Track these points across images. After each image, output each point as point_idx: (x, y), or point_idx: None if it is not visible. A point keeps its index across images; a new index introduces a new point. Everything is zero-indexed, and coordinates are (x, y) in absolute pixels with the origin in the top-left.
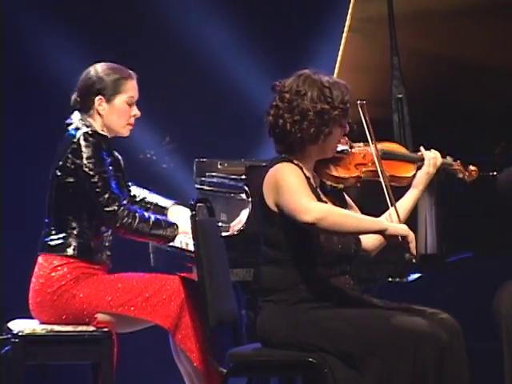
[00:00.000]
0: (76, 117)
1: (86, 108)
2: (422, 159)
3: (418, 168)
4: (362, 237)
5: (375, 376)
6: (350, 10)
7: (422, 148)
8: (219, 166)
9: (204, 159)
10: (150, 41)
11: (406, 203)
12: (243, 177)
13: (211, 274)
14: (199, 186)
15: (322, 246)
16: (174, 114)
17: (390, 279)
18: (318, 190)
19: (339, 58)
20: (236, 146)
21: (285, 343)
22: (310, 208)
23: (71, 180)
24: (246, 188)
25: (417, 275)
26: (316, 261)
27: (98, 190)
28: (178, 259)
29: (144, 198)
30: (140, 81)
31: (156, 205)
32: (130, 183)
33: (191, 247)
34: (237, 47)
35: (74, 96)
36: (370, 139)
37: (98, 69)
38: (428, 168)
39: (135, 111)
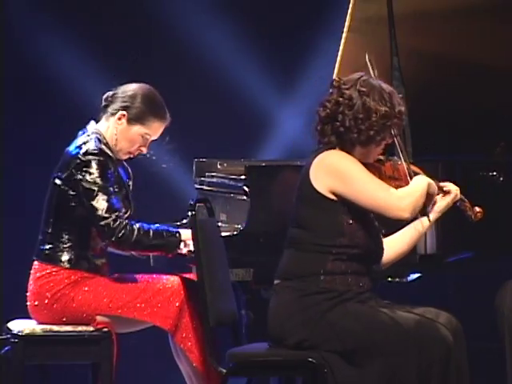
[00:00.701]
0: (90, 127)
1: (110, 112)
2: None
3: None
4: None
5: (378, 376)
6: (349, 10)
7: (445, 183)
8: (219, 166)
9: (204, 159)
10: (150, 41)
11: (425, 222)
12: (243, 177)
13: (211, 274)
14: (199, 186)
15: (356, 239)
16: (174, 114)
17: (389, 279)
18: None
19: (339, 58)
20: (236, 146)
21: (293, 331)
22: (403, 205)
23: (72, 193)
24: (246, 188)
25: (417, 275)
26: (346, 252)
27: (96, 203)
28: (177, 259)
29: None
30: (140, 81)
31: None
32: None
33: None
34: (237, 47)
35: (108, 94)
36: (400, 154)
37: (142, 92)
38: (450, 199)
39: (144, 148)
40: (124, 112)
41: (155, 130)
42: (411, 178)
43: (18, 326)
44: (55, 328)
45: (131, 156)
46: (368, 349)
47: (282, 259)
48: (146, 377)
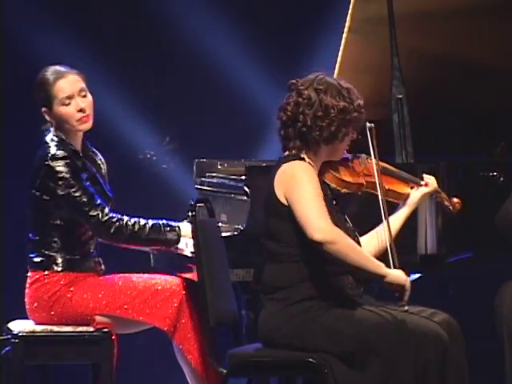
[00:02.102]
0: (49, 134)
1: (46, 120)
2: (417, 181)
3: (411, 189)
4: (362, 243)
5: (376, 376)
6: (349, 11)
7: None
8: (219, 167)
9: (204, 159)
10: (150, 41)
11: (397, 219)
12: (243, 177)
13: (211, 274)
14: (199, 187)
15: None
16: (174, 114)
17: None
18: (329, 193)
19: (339, 59)
20: (236, 146)
21: (286, 342)
22: (324, 229)
23: (47, 198)
24: (246, 188)
25: (417, 275)
26: (320, 258)
27: (79, 205)
28: (178, 259)
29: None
30: (140, 81)
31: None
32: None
33: (191, 248)
34: (237, 48)
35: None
36: (372, 153)
37: (39, 79)
38: (425, 188)
39: (78, 105)
40: (43, 108)
41: (61, 89)
42: (380, 175)
43: (19, 326)
44: (55, 328)
45: (85, 120)
46: (364, 350)
47: (263, 274)
48: (146, 377)
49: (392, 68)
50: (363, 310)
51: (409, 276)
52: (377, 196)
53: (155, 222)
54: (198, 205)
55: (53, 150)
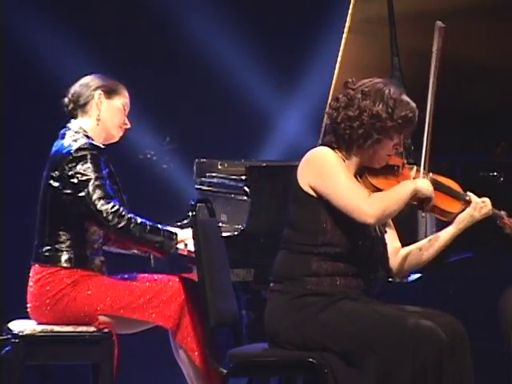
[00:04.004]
0: (74, 125)
1: (82, 105)
2: (470, 201)
3: (464, 209)
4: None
5: (375, 375)
6: (350, 11)
7: (470, 193)
8: (219, 167)
9: (204, 159)
10: (151, 41)
11: (442, 237)
12: (243, 177)
13: (211, 274)
14: (199, 187)
15: (336, 237)
16: (174, 114)
17: (390, 279)
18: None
19: (339, 59)
20: (236, 146)
21: (288, 335)
22: (371, 211)
23: (68, 191)
24: (246, 188)
25: (417, 275)
26: (327, 251)
27: (92, 191)
28: (178, 259)
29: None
30: (140, 81)
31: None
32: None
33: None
34: (237, 48)
35: (67, 98)
36: (423, 161)
37: (94, 75)
38: (473, 211)
39: (127, 121)
40: (99, 91)
41: (127, 97)
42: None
43: (19, 326)
44: (56, 328)
45: (121, 133)
46: (363, 349)
47: (275, 261)
48: (146, 377)
49: (392, 68)
50: (362, 309)
51: (409, 276)
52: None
53: (154, 224)
54: (198, 205)
55: (77, 143)
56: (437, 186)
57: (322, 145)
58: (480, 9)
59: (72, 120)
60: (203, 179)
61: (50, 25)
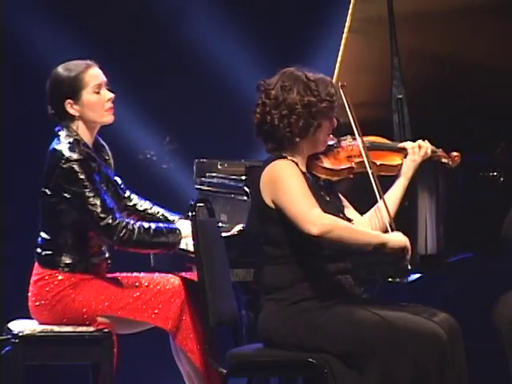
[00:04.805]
0: (63, 133)
1: (64, 117)
2: (406, 149)
3: (404, 157)
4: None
5: (375, 376)
6: (350, 11)
7: (404, 143)
8: (219, 167)
9: (204, 159)
10: (151, 41)
11: (395, 192)
12: (243, 177)
13: (211, 274)
14: (199, 187)
15: (319, 241)
16: (174, 114)
17: (389, 279)
18: (316, 184)
19: (339, 59)
20: (236, 146)
21: (285, 342)
22: (317, 221)
23: (59, 199)
24: (247, 188)
25: (417, 275)
26: (315, 257)
27: (91, 207)
28: (178, 259)
29: (147, 209)
30: (140, 81)
31: (162, 215)
32: (130, 193)
33: (191, 247)
34: (237, 48)
35: (49, 110)
36: (353, 124)
37: (57, 73)
38: (413, 156)
39: (107, 95)
40: (67, 100)
41: (93, 77)
42: (366, 151)
43: (19, 326)
44: (56, 328)
45: (112, 112)
46: (363, 350)
47: (262, 275)
48: (146, 377)
49: (392, 68)
50: (362, 310)
51: (409, 276)
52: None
53: (155, 225)
54: (198, 205)
55: (67, 151)
56: (375, 146)
57: (273, 158)
58: (480, 9)
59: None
60: (203, 179)
61: (50, 25)
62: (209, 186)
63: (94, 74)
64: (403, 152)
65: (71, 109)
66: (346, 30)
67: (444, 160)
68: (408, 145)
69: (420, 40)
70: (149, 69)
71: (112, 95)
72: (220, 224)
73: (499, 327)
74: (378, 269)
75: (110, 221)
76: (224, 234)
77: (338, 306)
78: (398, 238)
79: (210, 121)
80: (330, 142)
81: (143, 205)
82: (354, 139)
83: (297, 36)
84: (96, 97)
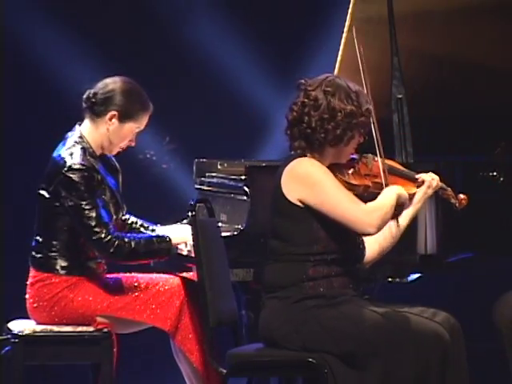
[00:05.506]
0: (76, 132)
1: (96, 113)
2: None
3: (417, 188)
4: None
5: (377, 376)
6: (350, 10)
7: (420, 175)
8: (219, 166)
9: (204, 159)
10: (151, 41)
11: (403, 219)
12: (243, 177)
13: (211, 274)
14: (199, 187)
15: (332, 244)
16: (174, 114)
17: (389, 279)
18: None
19: (339, 58)
20: (236, 146)
21: (287, 341)
22: (370, 221)
23: (58, 204)
24: (246, 188)
25: (417, 275)
26: (324, 258)
27: (86, 220)
28: (177, 260)
29: (127, 219)
30: (140, 81)
31: (141, 225)
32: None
33: (185, 252)
34: (237, 48)
35: (89, 94)
36: (378, 150)
37: (123, 87)
38: (427, 189)
39: (133, 141)
40: (114, 112)
41: (144, 122)
42: (386, 174)
43: (19, 326)
44: (55, 328)
45: (121, 150)
46: (364, 350)
47: (264, 274)
48: (146, 377)
49: (392, 68)
50: (364, 310)
51: (409, 276)
52: None
53: (145, 236)
54: (197, 205)
55: (71, 160)
56: (393, 171)
57: (297, 155)
58: (479, 9)
59: (76, 126)
60: (203, 179)
61: (50, 25)
62: (209, 186)
63: (146, 121)
64: (418, 182)
65: (110, 119)
66: (345, 29)
67: (452, 201)
68: (427, 177)
69: (419, 40)
70: (149, 69)
71: (133, 144)
72: (220, 224)
73: (499, 327)
74: (378, 269)
75: (103, 235)
76: (224, 234)
77: (341, 305)
78: (403, 191)
79: (209, 121)
80: (353, 156)
81: (125, 215)
82: (375, 160)
83: (297, 36)
84: (130, 135)
